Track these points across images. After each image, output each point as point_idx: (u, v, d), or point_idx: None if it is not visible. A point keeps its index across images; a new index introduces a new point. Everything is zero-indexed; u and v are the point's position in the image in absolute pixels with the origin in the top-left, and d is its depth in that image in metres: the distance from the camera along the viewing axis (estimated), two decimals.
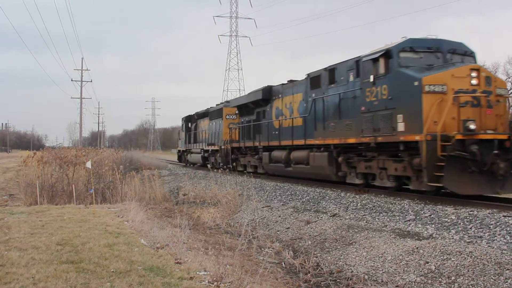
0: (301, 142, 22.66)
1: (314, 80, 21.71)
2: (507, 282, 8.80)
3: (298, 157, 22.86)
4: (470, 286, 9.05)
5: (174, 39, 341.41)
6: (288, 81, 25.85)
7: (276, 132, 25.71)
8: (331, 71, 20.15)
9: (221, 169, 31.03)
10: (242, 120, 31.74)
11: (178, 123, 63.27)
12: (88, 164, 20.26)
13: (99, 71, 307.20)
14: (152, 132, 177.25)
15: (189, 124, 48.03)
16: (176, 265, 9.66)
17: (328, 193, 19.11)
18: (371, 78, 17.13)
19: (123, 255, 10.20)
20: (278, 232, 15.83)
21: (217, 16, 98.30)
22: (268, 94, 27.16)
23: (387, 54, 16.53)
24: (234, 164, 33.12)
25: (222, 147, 34.56)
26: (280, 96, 25.85)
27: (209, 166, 34.82)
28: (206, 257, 10.51)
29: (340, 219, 15.26)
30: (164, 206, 22.78)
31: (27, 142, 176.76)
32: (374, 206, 15.67)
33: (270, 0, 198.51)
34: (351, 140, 18.39)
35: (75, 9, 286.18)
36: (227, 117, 35.30)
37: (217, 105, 40.19)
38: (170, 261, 9.98)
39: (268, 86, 27.46)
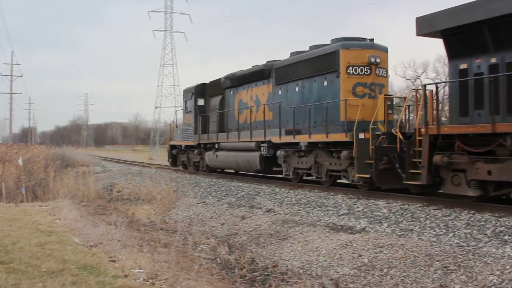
0: None
1: None
2: (436, 273, 9.08)
3: None
4: (402, 278, 9.30)
5: (108, 34, 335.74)
6: None
7: None
8: None
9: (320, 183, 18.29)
10: (480, 63, 13.09)
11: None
12: (20, 161, 19.80)
13: (31, 66, 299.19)
14: (85, 129, 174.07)
15: (203, 100, 28.33)
16: (110, 263, 9.53)
17: (263, 189, 19.24)
18: None
19: (56, 254, 10.00)
20: (213, 228, 15.83)
21: (151, 11, 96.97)
22: None
23: None
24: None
25: (362, 136, 15.76)
26: None
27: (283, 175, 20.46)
28: (141, 255, 10.42)
29: (275, 214, 15.39)
30: (98, 203, 22.41)
31: None
32: (308, 201, 15.88)
33: None
34: None
35: (5, 2, 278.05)
36: (350, 70, 17.30)
37: (295, 53, 20.64)
38: (104, 259, 9.84)
39: None
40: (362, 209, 13.82)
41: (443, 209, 12.40)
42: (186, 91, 29.96)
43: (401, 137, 14.67)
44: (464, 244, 10.04)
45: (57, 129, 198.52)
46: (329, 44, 18.36)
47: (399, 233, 11.44)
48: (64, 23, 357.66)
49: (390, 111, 16.64)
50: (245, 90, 23.94)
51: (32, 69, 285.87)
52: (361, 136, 15.75)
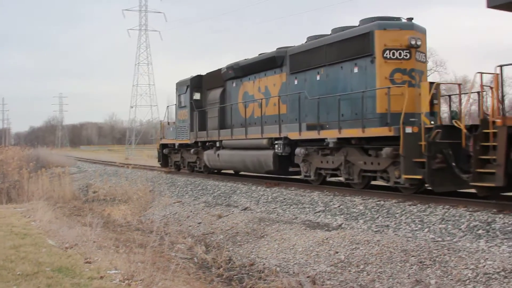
0: None
1: None
2: (412, 268, 9.16)
3: None
4: (378, 274, 9.37)
5: (82, 33, 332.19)
6: None
7: None
8: None
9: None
10: None
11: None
12: None
13: (3, 66, 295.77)
14: (60, 129, 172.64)
15: (200, 94, 25.25)
16: (85, 265, 9.46)
17: (239, 187, 19.22)
18: None
19: (30, 256, 9.90)
20: (190, 228, 15.80)
21: (126, 10, 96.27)
22: None
23: None
24: None
25: (409, 130, 13.27)
26: None
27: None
28: (117, 255, 10.35)
29: (252, 212, 15.39)
30: (73, 204, 22.24)
31: None
32: (284, 199, 15.90)
33: None
34: None
35: None
36: (387, 54, 14.76)
37: (313, 37, 17.80)
38: (80, 261, 9.77)
39: None
40: (338, 206, 13.86)
41: (418, 205, 12.48)
42: (179, 84, 26.47)
43: (465, 130, 12.44)
44: (439, 239, 10.13)
45: (32, 130, 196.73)
46: (359, 25, 15.79)
47: (375, 229, 11.51)
48: (37, 22, 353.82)
49: (435, 101, 14.00)
50: (251, 81, 20.96)
51: (5, 69, 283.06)
52: (409, 130, 13.16)
